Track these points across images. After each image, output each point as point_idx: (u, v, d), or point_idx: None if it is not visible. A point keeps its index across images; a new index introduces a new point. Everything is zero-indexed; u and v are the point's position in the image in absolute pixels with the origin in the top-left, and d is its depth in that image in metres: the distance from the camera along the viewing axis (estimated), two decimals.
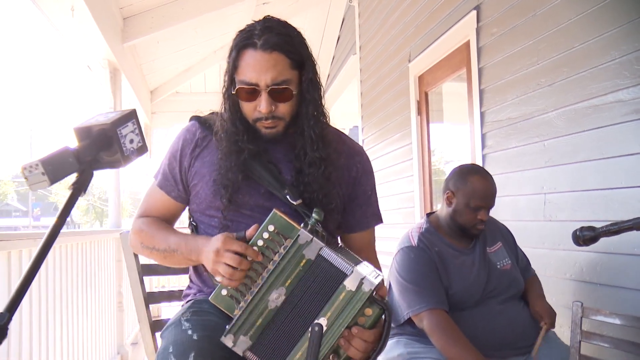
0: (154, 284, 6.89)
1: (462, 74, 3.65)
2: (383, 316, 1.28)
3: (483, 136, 3.27)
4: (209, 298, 1.37)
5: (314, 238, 1.27)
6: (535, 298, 2.31)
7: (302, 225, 1.35)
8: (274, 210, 1.36)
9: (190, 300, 1.58)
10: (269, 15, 1.50)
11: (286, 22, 1.50)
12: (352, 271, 1.25)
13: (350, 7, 6.47)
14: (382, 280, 1.29)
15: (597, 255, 2.37)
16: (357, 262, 1.32)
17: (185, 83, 7.74)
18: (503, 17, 3.04)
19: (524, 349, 2.18)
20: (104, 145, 1.03)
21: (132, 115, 1.06)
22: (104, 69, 4.83)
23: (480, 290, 2.21)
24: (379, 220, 1.70)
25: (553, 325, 2.21)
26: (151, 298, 1.84)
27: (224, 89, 1.51)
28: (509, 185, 2.95)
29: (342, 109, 8.10)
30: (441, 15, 3.82)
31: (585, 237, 1.47)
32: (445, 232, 2.31)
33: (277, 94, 1.43)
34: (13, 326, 2.38)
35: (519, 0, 2.89)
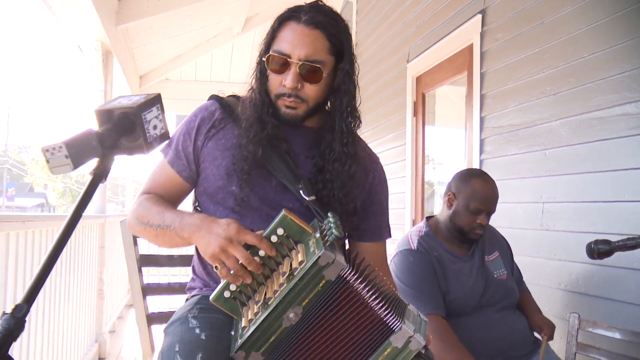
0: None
1: (462, 77, 3.63)
2: None
3: (482, 141, 3.26)
4: (210, 299, 1.27)
5: (336, 259, 1.17)
6: (533, 310, 2.32)
7: (316, 231, 1.26)
8: (283, 211, 1.25)
9: (195, 295, 1.51)
10: (320, 1, 1.45)
11: (335, 11, 1.46)
12: (401, 328, 1.18)
13: (348, 3, 6.42)
14: (427, 327, 1.24)
15: (594, 267, 2.37)
16: (402, 310, 1.25)
17: (175, 70, 7.63)
18: (509, 23, 3.02)
19: (519, 359, 2.17)
20: (127, 130, 0.97)
21: (157, 100, 1.01)
22: (97, 50, 4.73)
23: (478, 298, 2.20)
24: (389, 234, 1.64)
25: (552, 337, 2.20)
26: (149, 290, 1.78)
27: (258, 58, 1.45)
28: (507, 193, 2.94)
29: None
30: (444, 17, 3.80)
31: (600, 250, 1.44)
32: (444, 237, 2.29)
33: (307, 72, 1.37)
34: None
35: (526, 7, 2.87)
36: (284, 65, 1.38)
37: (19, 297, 2.47)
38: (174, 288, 1.81)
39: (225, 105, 1.51)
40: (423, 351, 1.21)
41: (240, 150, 1.42)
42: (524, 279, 2.45)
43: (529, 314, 2.33)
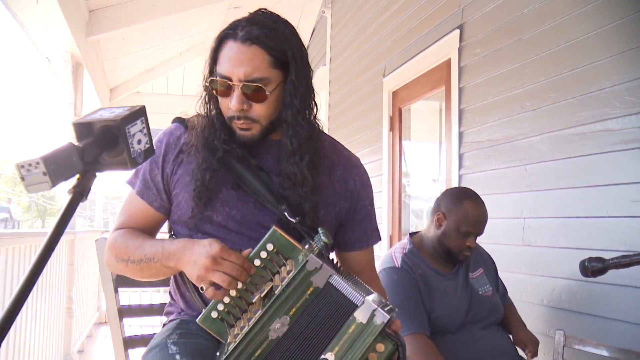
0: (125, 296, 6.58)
1: (439, 92, 3.63)
2: (397, 353, 1.16)
3: (460, 156, 3.24)
4: (197, 320, 1.22)
5: (324, 264, 1.15)
6: (517, 326, 2.29)
7: (305, 245, 1.24)
8: (273, 227, 1.24)
9: (173, 319, 1.43)
10: (263, 9, 1.38)
11: (280, 17, 1.38)
12: (363, 302, 1.14)
13: (322, 17, 6.41)
14: (395, 313, 1.19)
15: (577, 283, 2.35)
16: (368, 293, 1.21)
17: (147, 83, 7.51)
18: (487, 38, 3.02)
19: None
20: (109, 145, 0.90)
21: (141, 113, 0.94)
22: (66, 62, 4.62)
23: (463, 316, 2.16)
24: (378, 237, 1.59)
25: (536, 354, 2.17)
26: (126, 312, 1.68)
27: (203, 82, 1.39)
28: (487, 208, 2.91)
29: None
30: (421, 32, 3.80)
31: (594, 268, 1.41)
32: (428, 255, 2.25)
33: (251, 92, 1.30)
34: None
35: (505, 22, 2.88)
36: (228, 88, 1.32)
37: None
38: (154, 309, 1.72)
39: (190, 128, 1.45)
40: (391, 333, 1.17)
41: (192, 178, 1.37)
42: None
43: (513, 329, 2.31)
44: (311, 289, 1.15)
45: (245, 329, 1.14)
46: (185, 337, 1.31)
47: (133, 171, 1.48)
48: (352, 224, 1.52)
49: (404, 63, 4.07)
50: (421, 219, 4.61)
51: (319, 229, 1.27)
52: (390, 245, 4.18)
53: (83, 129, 0.91)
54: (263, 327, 1.14)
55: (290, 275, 1.15)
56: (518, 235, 2.72)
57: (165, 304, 1.55)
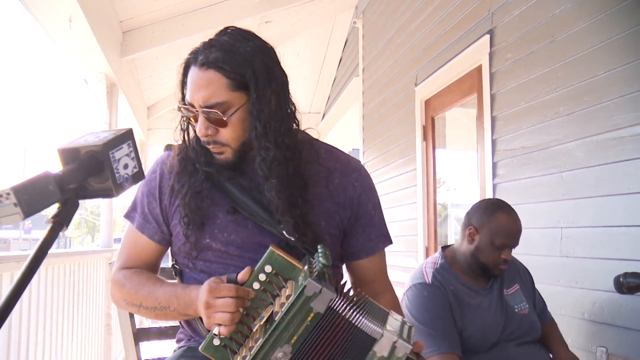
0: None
1: (471, 99, 3.53)
2: None
3: (494, 165, 3.13)
4: (199, 349, 1.19)
5: (323, 288, 1.09)
6: (558, 345, 2.17)
7: (305, 265, 1.18)
8: (270, 247, 1.18)
9: (182, 346, 1.41)
10: (230, 27, 1.33)
11: (246, 34, 1.32)
12: (382, 335, 1.09)
13: (354, 28, 6.37)
14: (415, 334, 1.14)
15: (620, 296, 2.19)
16: (383, 319, 1.15)
17: None
18: (519, 42, 2.92)
19: None
20: (94, 171, 0.87)
21: (127, 136, 0.90)
22: (101, 83, 4.69)
23: (497, 334, 2.06)
24: (387, 241, 1.51)
25: None
26: (142, 335, 1.66)
27: (177, 107, 1.37)
28: (523, 218, 2.77)
29: (343, 132, 7.98)
30: (451, 39, 3.71)
31: (630, 284, 1.31)
32: (461, 270, 2.15)
33: (212, 117, 1.28)
34: None
35: (536, 25, 2.77)
36: (194, 114, 1.30)
37: (24, 336, 2.37)
38: (168, 333, 1.69)
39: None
40: (415, 358, 1.12)
41: (180, 205, 1.35)
42: None
43: (553, 348, 2.19)
44: (312, 315, 1.09)
45: (247, 359, 1.10)
46: None
47: (130, 204, 1.47)
48: (356, 232, 1.45)
49: (435, 71, 3.98)
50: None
51: (319, 247, 1.21)
52: (427, 256, 4.07)
53: (69, 154, 0.88)
54: (265, 357, 1.09)
55: (290, 301, 1.09)
56: (555, 245, 2.59)
57: None
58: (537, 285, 2.31)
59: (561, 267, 2.56)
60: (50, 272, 2.97)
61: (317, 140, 1.46)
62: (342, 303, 1.10)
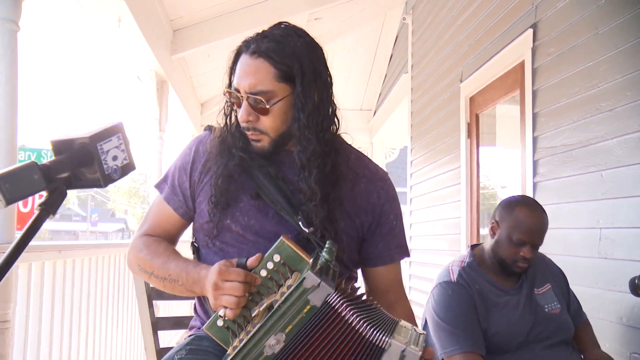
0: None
1: (515, 95, 3.44)
2: None
3: (535, 163, 3.05)
4: (203, 327, 1.24)
5: (322, 282, 1.10)
6: (591, 347, 2.10)
7: (312, 258, 1.20)
8: (281, 237, 1.23)
9: (192, 335, 1.44)
10: (284, 22, 1.38)
11: (297, 30, 1.37)
12: (390, 344, 1.09)
13: (404, 24, 6.32)
14: (424, 339, 1.13)
15: None
16: (392, 328, 1.15)
17: None
18: (561, 36, 2.82)
19: None
20: (84, 161, 0.91)
21: (116, 130, 0.94)
22: (151, 80, 4.84)
23: (524, 334, 2.01)
24: (404, 253, 1.52)
25: None
26: (160, 324, 1.71)
27: (223, 93, 1.41)
28: (561, 218, 2.72)
29: (394, 128, 7.93)
30: (495, 34, 3.63)
31: None
32: (489, 268, 2.11)
33: (256, 104, 1.32)
34: (36, 343, 2.31)
35: (579, 17, 2.67)
36: (238, 99, 1.34)
37: (56, 328, 2.48)
38: (185, 323, 1.74)
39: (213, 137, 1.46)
40: None
41: (211, 185, 1.39)
42: None
43: (585, 349, 2.11)
44: (308, 307, 1.10)
45: (243, 342, 1.13)
46: (194, 353, 1.31)
47: (162, 175, 1.53)
48: (375, 239, 1.46)
49: (479, 67, 3.90)
50: None
51: (327, 242, 1.22)
52: None
53: (61, 146, 0.92)
54: (258, 342, 1.11)
55: (289, 291, 1.12)
56: (594, 246, 2.50)
57: None
58: (573, 287, 2.23)
59: (600, 268, 2.47)
60: (78, 264, 2.99)
61: (349, 145, 1.50)
62: (340, 300, 1.11)
